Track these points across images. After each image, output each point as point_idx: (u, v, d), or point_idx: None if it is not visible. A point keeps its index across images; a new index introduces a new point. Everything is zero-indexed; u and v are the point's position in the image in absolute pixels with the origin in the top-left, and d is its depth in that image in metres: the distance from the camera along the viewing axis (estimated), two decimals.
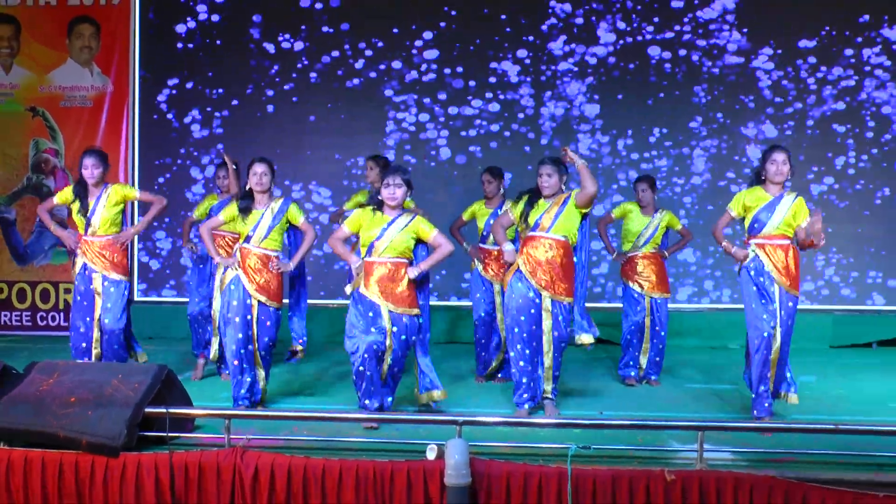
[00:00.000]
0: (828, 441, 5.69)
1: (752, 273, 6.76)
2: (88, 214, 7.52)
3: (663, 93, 10.92)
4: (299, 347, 7.55)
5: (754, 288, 6.73)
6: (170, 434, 5.72)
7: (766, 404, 6.74)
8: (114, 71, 11.36)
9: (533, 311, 6.87)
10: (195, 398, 6.46)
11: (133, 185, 11.11)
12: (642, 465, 5.39)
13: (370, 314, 6.60)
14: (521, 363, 6.90)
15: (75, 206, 7.58)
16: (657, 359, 8.34)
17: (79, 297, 7.55)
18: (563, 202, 6.92)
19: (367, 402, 6.60)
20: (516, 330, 6.89)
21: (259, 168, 7.06)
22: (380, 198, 6.71)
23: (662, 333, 8.30)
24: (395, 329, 6.59)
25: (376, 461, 5.42)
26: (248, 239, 7.04)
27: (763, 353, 6.67)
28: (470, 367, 8.73)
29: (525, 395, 6.91)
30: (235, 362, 6.95)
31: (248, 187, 7.09)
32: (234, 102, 11.30)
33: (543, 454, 5.52)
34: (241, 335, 6.92)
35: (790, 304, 6.74)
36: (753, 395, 6.82)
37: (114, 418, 5.63)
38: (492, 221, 8.14)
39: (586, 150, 10.93)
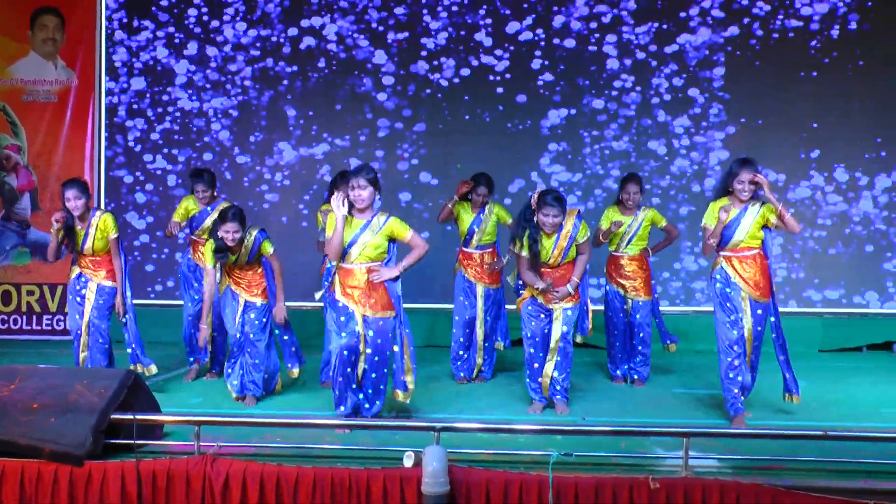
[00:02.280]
0: (817, 448, 5.73)
1: (719, 285, 7.00)
2: (81, 247, 7.83)
3: None
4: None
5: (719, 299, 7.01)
6: (137, 441, 5.70)
7: (738, 405, 6.95)
8: (79, 64, 11.29)
9: (546, 326, 7.33)
10: (164, 404, 6.45)
11: (100, 185, 11.12)
12: (626, 473, 5.41)
13: (342, 318, 6.63)
14: (536, 365, 7.33)
15: (65, 240, 7.81)
16: (641, 360, 8.43)
17: (74, 301, 7.91)
18: (569, 238, 7.20)
19: (340, 407, 6.62)
20: (537, 339, 7.32)
21: (230, 227, 7.38)
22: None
23: (642, 335, 8.39)
24: (369, 333, 6.61)
25: (351, 469, 5.43)
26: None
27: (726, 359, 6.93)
28: (448, 370, 8.74)
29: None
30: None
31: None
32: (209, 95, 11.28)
33: (524, 461, 5.54)
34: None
35: (759, 311, 6.98)
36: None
37: (78, 425, 5.62)
38: (476, 227, 8.51)
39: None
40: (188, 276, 8.91)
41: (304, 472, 5.42)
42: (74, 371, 6.43)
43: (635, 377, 8.45)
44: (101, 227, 7.81)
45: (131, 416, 5.74)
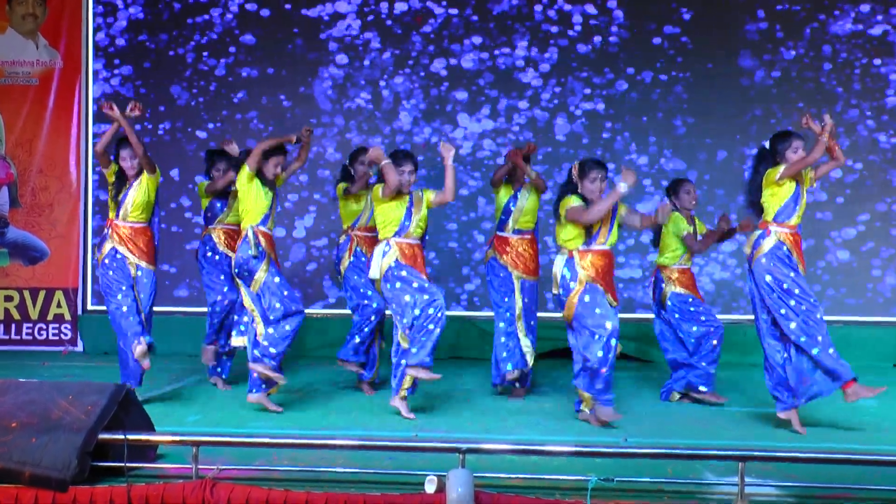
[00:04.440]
0: (888, 475, 5.69)
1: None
2: (121, 198, 8.20)
3: None
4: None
5: (792, 274, 7.21)
6: (128, 464, 5.71)
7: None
8: (63, 43, 11.35)
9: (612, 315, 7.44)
10: (158, 422, 6.48)
11: (87, 176, 11.25)
12: (672, 500, 5.42)
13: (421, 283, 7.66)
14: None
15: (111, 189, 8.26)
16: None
17: (115, 281, 8.16)
18: (612, 214, 7.44)
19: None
20: (609, 325, 7.36)
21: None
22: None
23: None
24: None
25: (367, 495, 5.44)
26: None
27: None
28: (476, 383, 8.78)
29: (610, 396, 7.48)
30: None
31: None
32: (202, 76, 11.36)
33: (559, 487, 5.55)
34: None
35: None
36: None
37: (62, 446, 5.63)
38: (512, 206, 8.55)
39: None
40: (210, 266, 9.03)
41: (315, 499, 5.42)
42: (58, 385, 6.42)
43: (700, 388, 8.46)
44: (146, 183, 8.16)
45: (122, 436, 5.75)
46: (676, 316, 8.35)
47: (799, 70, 11.06)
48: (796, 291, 7.17)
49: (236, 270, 7.97)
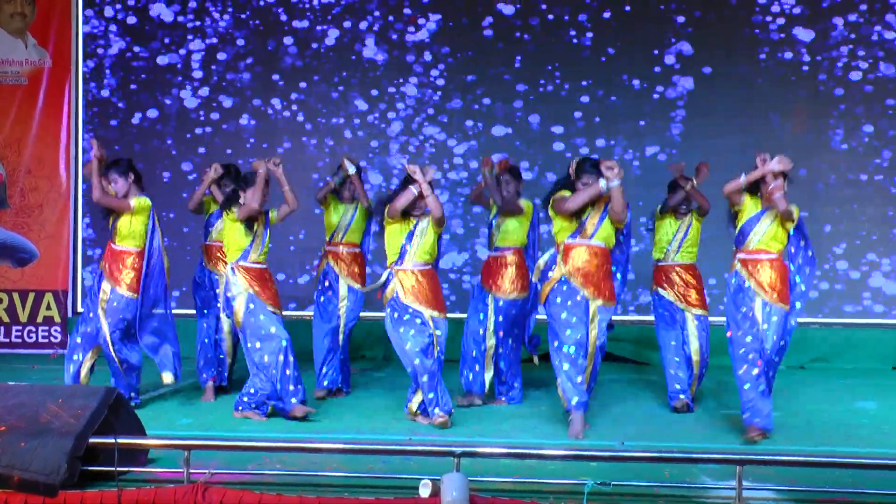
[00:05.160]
0: (888, 478, 5.69)
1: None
2: (113, 222, 8.09)
3: None
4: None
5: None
6: (119, 468, 5.69)
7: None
8: (52, 43, 11.34)
9: (582, 318, 7.35)
10: (149, 425, 6.48)
11: (77, 179, 11.23)
12: None
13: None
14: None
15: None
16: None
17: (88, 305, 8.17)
18: (604, 208, 7.35)
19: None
20: (568, 333, 7.30)
21: None
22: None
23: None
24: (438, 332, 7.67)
25: (361, 499, 5.44)
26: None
27: None
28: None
29: (579, 399, 7.29)
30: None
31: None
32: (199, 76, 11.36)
33: (555, 491, 5.54)
34: None
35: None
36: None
37: (52, 450, 5.61)
38: (495, 223, 8.42)
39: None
40: (204, 290, 8.87)
41: (307, 503, 5.43)
42: (48, 389, 6.41)
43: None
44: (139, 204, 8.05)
45: (112, 440, 5.74)
46: None
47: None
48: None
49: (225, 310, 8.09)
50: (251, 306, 7.73)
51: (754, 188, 7.15)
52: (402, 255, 7.62)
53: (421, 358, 7.50)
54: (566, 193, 7.38)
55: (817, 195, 10.86)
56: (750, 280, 7.11)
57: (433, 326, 7.60)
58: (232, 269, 7.79)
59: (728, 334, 7.22)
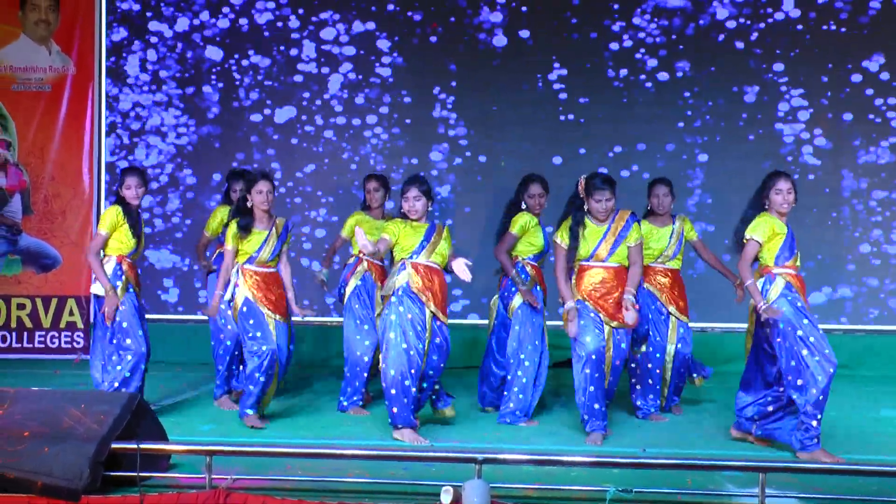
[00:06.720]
0: None
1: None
2: (138, 232, 8.06)
3: None
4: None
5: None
6: (141, 473, 5.73)
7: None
8: (76, 50, 11.35)
9: (600, 338, 7.31)
10: (171, 431, 6.50)
11: (99, 184, 11.28)
12: None
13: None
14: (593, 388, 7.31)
15: (122, 230, 7.95)
16: (679, 384, 8.43)
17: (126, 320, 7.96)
18: (617, 235, 7.34)
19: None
20: (593, 358, 7.25)
21: (264, 186, 7.80)
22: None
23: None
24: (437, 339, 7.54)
25: None
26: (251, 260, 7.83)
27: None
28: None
29: (597, 422, 7.34)
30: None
31: (249, 204, 7.81)
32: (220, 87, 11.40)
33: (577, 498, 5.56)
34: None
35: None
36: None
37: (75, 455, 5.64)
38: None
39: None
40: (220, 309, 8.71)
41: None
42: (70, 394, 6.44)
43: (674, 403, 8.49)
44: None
45: (135, 446, 5.77)
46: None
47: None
48: None
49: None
50: (244, 309, 7.76)
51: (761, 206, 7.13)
52: (417, 251, 7.54)
53: (403, 364, 7.32)
54: (563, 235, 7.37)
55: (842, 199, 10.83)
56: (801, 294, 7.01)
57: (430, 329, 7.49)
58: (237, 270, 7.83)
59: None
